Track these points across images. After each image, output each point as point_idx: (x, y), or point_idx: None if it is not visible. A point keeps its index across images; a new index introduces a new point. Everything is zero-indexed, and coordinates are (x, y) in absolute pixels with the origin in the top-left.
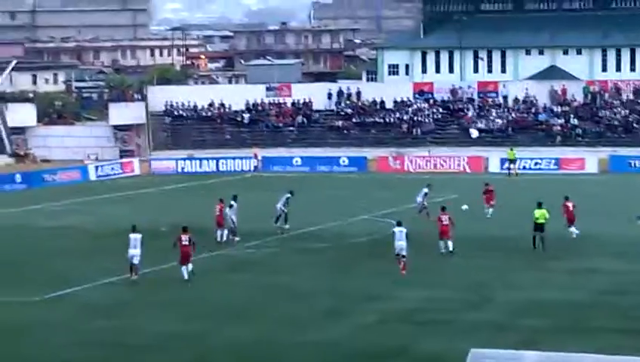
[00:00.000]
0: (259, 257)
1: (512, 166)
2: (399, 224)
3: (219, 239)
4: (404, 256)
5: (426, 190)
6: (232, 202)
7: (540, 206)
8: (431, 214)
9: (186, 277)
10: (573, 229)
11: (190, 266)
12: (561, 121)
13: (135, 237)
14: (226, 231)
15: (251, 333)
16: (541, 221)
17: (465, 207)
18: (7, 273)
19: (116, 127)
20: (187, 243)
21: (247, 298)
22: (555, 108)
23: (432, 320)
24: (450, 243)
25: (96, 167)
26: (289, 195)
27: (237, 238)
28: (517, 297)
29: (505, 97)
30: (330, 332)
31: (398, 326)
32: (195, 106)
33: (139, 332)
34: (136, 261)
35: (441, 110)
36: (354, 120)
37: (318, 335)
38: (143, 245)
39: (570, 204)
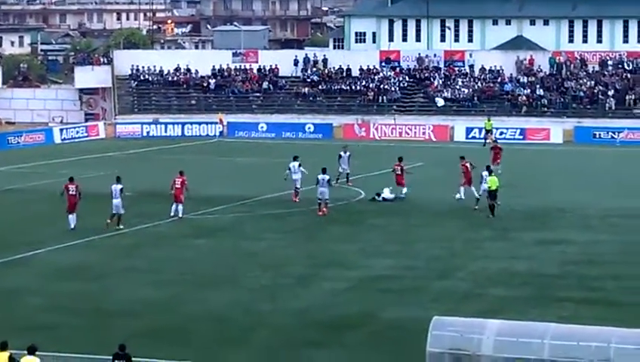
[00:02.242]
0: (225, 222)
1: (488, 135)
2: (324, 171)
3: (172, 214)
4: (327, 201)
5: (342, 153)
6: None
7: (490, 173)
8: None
9: (72, 226)
10: (473, 189)
11: (74, 216)
12: (527, 91)
13: (116, 188)
14: (181, 206)
15: (224, 299)
16: (493, 188)
17: (458, 195)
18: None
19: (82, 91)
20: (74, 193)
21: (217, 264)
22: (521, 79)
23: (400, 288)
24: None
25: (61, 130)
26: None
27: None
28: (484, 266)
29: (471, 67)
30: (301, 299)
31: (366, 293)
32: (162, 71)
33: (111, 297)
34: (121, 211)
35: (407, 78)
36: (320, 87)
37: (289, 301)
38: (122, 193)
39: (468, 164)
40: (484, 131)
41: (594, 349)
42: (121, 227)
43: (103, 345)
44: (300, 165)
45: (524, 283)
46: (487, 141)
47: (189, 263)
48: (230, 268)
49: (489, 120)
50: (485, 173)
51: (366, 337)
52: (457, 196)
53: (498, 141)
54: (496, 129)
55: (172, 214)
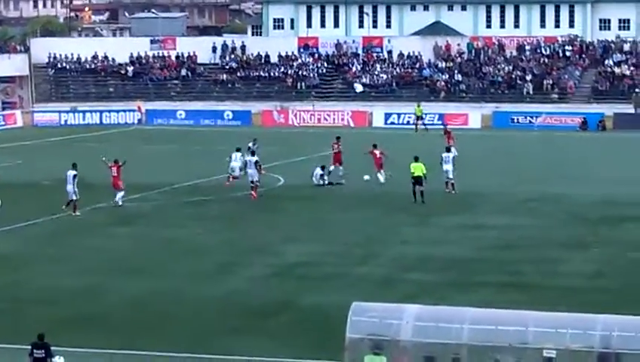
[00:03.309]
0: (146, 210)
1: (418, 122)
2: (252, 154)
3: (119, 202)
4: (257, 184)
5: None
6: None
7: (416, 160)
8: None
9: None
10: (380, 175)
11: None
12: (445, 76)
13: (69, 174)
14: (122, 194)
15: (146, 287)
16: (418, 174)
17: (367, 177)
18: None
19: None
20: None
21: (139, 251)
22: (439, 64)
23: (319, 274)
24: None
25: None
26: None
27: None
28: (403, 252)
29: (389, 52)
30: (223, 286)
31: (286, 280)
32: (79, 59)
33: (31, 285)
34: (74, 197)
35: (325, 65)
36: (238, 74)
37: (211, 288)
38: (75, 179)
39: (377, 152)
40: (414, 117)
41: (512, 333)
42: (78, 214)
43: (21, 334)
44: (242, 155)
45: (443, 268)
46: (419, 127)
47: (110, 252)
48: (151, 256)
49: (419, 106)
50: (445, 154)
51: (287, 324)
52: (366, 178)
53: (417, 127)
54: (426, 115)
55: (118, 203)
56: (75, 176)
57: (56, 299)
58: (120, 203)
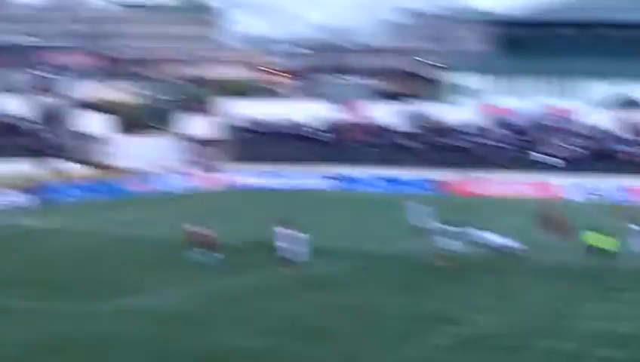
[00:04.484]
0: (332, 276)
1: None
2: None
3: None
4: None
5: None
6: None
7: (596, 230)
8: None
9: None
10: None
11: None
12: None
13: (280, 231)
14: None
15: (325, 351)
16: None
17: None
18: (72, 280)
19: (190, 140)
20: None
21: (317, 315)
22: (630, 138)
23: (506, 346)
24: None
25: (170, 179)
26: None
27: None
28: (591, 327)
29: (580, 124)
30: (404, 354)
31: (471, 351)
32: (267, 121)
33: (210, 343)
34: (289, 255)
35: (517, 135)
36: (426, 140)
37: (393, 356)
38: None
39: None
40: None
41: None
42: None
43: None
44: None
45: (633, 345)
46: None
47: (290, 315)
48: (331, 320)
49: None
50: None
51: None
52: None
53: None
54: None
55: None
56: (293, 234)
57: (232, 358)
58: None
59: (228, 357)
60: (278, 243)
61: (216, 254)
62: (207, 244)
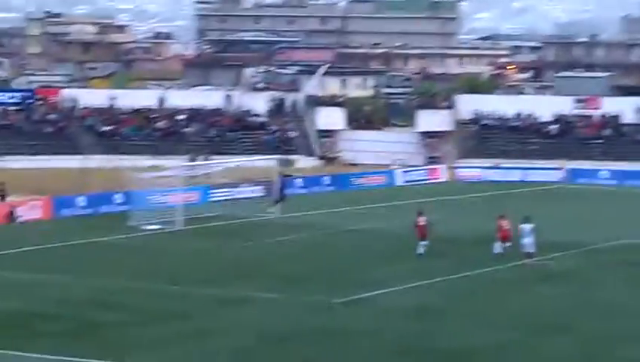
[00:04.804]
0: (566, 269)
1: None
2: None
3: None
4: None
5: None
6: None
7: None
8: None
9: (421, 251)
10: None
11: (424, 242)
12: None
13: (524, 227)
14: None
15: (563, 345)
16: None
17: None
18: (310, 273)
19: (423, 134)
20: (424, 223)
21: (556, 310)
22: None
23: None
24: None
25: (403, 173)
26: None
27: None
28: None
29: None
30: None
31: None
32: (503, 116)
33: (448, 338)
34: (530, 249)
35: None
36: None
37: (630, 352)
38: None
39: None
40: None
41: None
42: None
43: None
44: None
45: None
46: None
47: (528, 308)
48: (570, 316)
49: None
50: None
51: None
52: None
53: None
54: None
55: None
56: (532, 228)
57: (472, 353)
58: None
59: (468, 352)
60: (522, 238)
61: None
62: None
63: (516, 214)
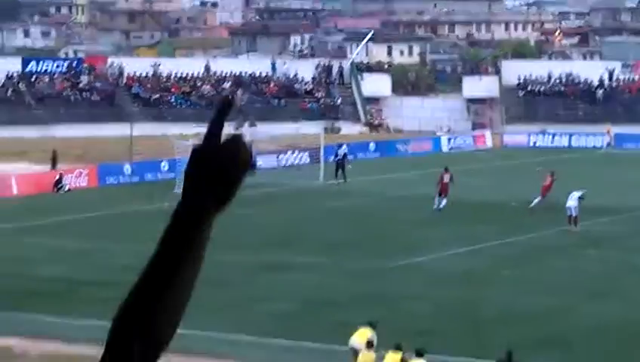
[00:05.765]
0: (613, 234)
1: None
2: None
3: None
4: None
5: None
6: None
7: None
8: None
9: (438, 205)
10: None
11: (443, 199)
12: None
13: (573, 193)
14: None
15: (609, 312)
16: None
17: None
18: (356, 239)
19: (469, 100)
20: (446, 181)
21: (606, 275)
22: None
23: None
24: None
25: (449, 139)
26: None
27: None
28: None
29: None
30: None
31: None
32: (549, 81)
33: (493, 304)
34: (574, 213)
35: None
36: None
37: None
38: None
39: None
40: None
41: None
42: (575, 228)
43: (483, 350)
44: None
45: None
46: None
47: (575, 274)
48: (618, 281)
49: None
50: None
51: None
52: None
53: None
54: None
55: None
56: (581, 196)
57: (517, 318)
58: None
59: (515, 318)
60: (567, 203)
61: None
62: None
63: (563, 179)
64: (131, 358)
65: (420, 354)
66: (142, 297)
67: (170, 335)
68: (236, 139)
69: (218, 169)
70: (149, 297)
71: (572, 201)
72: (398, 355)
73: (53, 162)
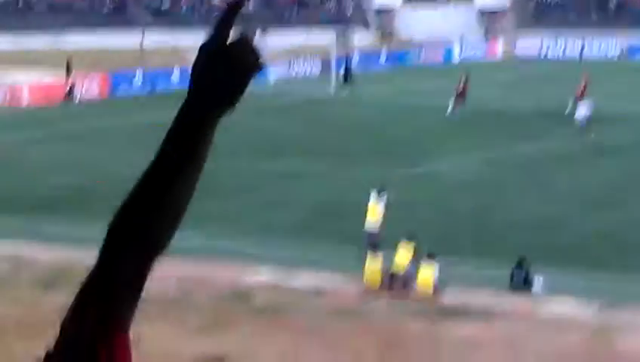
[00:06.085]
0: (622, 143)
1: None
2: None
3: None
4: None
5: None
6: None
7: None
8: None
9: (452, 110)
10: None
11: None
12: None
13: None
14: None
15: (614, 218)
16: None
17: None
18: (368, 148)
19: (481, 10)
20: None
21: (612, 184)
22: None
23: None
24: None
25: (461, 49)
26: None
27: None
28: None
29: None
30: None
31: None
32: None
33: (505, 210)
34: (582, 123)
35: None
36: None
37: None
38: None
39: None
40: None
41: None
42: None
43: (497, 256)
44: None
45: None
46: None
47: (583, 182)
48: (623, 191)
49: None
50: None
51: None
52: None
53: None
54: None
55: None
56: (590, 104)
57: (529, 225)
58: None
59: (525, 224)
60: (576, 113)
61: None
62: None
63: (573, 88)
64: (124, 265)
65: (431, 257)
66: (142, 200)
67: (167, 239)
68: (245, 41)
69: (226, 68)
70: (149, 200)
71: (582, 112)
72: (411, 245)
73: (68, 70)
